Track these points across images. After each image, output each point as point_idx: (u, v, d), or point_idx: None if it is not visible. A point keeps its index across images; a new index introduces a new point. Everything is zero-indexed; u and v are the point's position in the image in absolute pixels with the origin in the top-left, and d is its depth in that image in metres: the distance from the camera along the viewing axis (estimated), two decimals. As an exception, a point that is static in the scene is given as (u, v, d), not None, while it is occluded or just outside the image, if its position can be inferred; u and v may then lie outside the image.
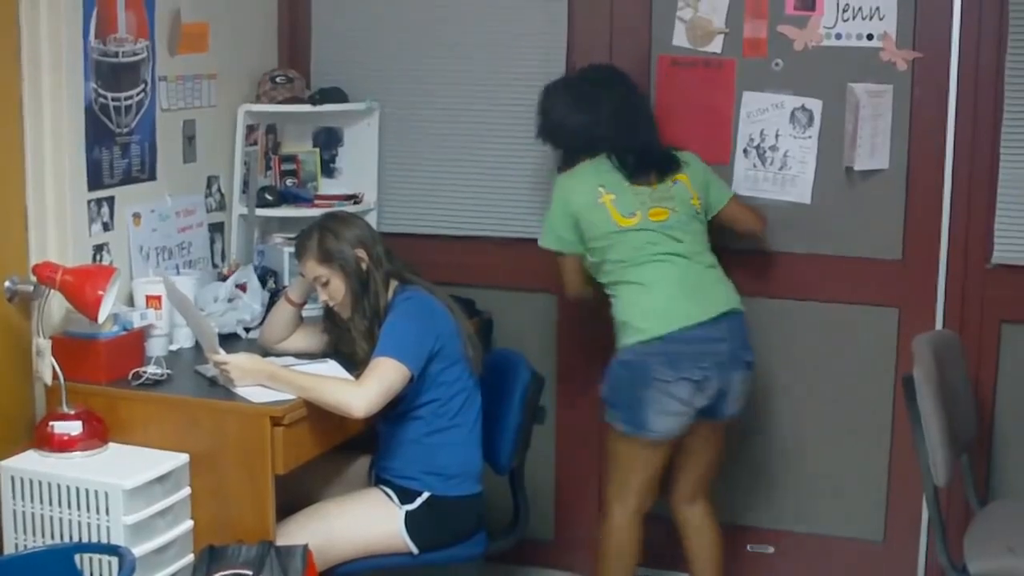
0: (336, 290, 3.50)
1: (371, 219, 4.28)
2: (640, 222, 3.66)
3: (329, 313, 3.61)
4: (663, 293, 3.63)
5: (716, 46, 4.07)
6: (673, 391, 3.56)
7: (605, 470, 3.89)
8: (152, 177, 3.85)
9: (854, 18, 3.93)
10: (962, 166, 3.89)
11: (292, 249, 3.79)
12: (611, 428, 3.72)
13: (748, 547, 4.27)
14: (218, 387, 3.37)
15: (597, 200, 3.68)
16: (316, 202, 4.32)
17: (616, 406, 3.67)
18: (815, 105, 4.00)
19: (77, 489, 3.08)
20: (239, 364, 3.34)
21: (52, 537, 3.12)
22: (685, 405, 3.59)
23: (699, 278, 3.68)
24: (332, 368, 3.52)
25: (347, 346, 3.56)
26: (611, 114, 3.74)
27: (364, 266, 3.49)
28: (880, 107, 3.94)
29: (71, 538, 3.10)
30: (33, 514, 3.13)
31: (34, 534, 3.14)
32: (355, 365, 3.47)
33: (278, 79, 4.27)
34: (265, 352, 3.61)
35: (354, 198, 4.36)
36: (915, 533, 4.07)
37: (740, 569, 4.24)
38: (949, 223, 3.93)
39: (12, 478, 3.15)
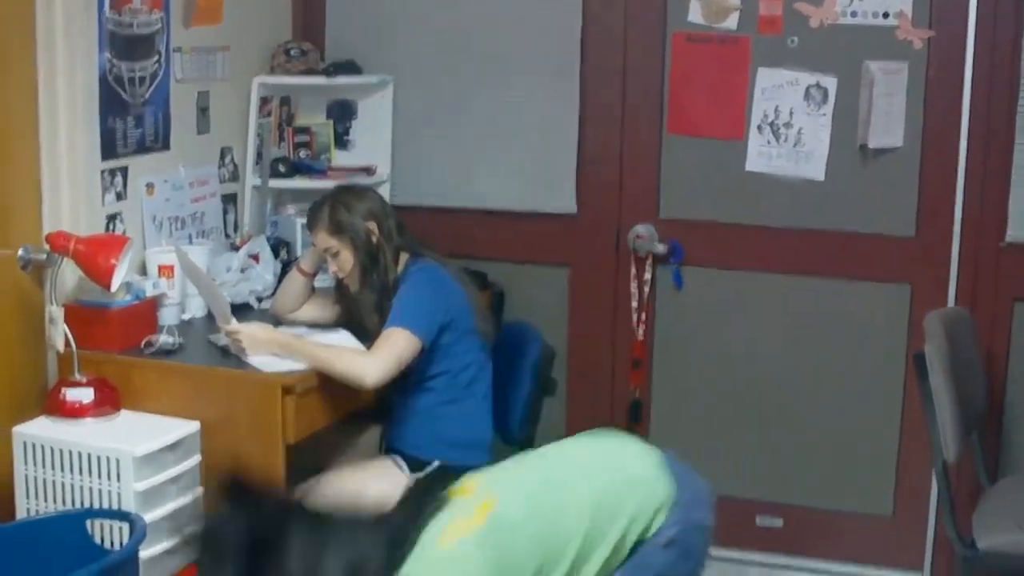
0: (345, 262, 3.50)
1: (384, 191, 4.28)
2: None
3: (341, 284, 3.62)
4: None
5: (731, 23, 4.06)
6: None
7: None
8: (166, 147, 3.85)
9: (870, -5, 3.93)
10: (977, 144, 3.88)
11: (305, 220, 3.80)
12: None
13: (757, 520, 4.27)
14: (230, 356, 3.38)
15: None
16: (329, 174, 4.32)
17: None
18: (830, 82, 3.99)
19: (88, 455, 3.10)
20: (251, 334, 3.35)
21: (64, 503, 3.14)
22: None
23: None
24: (344, 338, 3.54)
25: (358, 317, 3.56)
26: None
27: (374, 239, 3.50)
28: (895, 85, 3.92)
29: (82, 504, 3.11)
30: (45, 480, 3.15)
31: (46, 500, 3.16)
32: (367, 336, 3.48)
33: (292, 51, 4.27)
34: (277, 322, 3.63)
35: (367, 170, 4.37)
36: (924, 508, 4.08)
37: (749, 543, 4.25)
38: (963, 200, 3.92)
39: (24, 444, 3.17)
